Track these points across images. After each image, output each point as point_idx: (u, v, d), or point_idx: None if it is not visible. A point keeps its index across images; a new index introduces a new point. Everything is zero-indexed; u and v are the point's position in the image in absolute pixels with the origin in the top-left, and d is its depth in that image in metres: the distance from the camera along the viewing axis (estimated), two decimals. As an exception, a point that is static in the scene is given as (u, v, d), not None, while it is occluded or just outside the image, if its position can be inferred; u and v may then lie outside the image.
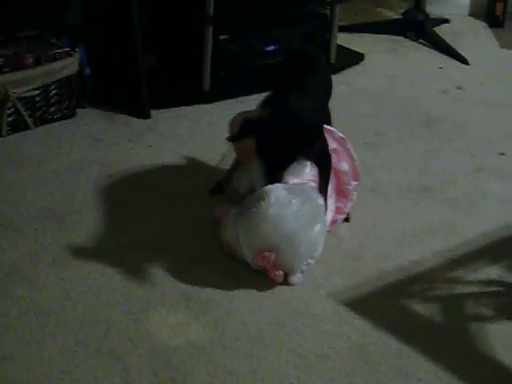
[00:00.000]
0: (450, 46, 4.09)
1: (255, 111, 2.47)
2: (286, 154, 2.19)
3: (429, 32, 4.24)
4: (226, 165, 2.60)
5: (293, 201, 2.19)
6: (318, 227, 2.22)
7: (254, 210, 2.19)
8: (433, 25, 4.37)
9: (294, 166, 2.24)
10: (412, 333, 2.03)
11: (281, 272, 2.18)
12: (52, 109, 3.09)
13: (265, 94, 2.38)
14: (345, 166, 2.42)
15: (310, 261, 2.23)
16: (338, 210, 2.43)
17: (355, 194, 2.46)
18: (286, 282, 2.20)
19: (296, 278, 2.21)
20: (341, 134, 2.45)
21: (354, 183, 2.45)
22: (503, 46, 4.24)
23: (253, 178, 2.33)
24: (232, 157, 2.55)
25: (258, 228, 2.17)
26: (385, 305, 2.14)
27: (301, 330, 2.02)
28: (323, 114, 2.40)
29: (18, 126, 3.01)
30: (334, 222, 2.42)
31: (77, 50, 3.12)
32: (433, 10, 4.62)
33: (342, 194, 2.43)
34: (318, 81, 2.40)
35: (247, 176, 2.37)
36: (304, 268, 2.22)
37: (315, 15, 3.66)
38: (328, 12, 3.68)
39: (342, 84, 3.63)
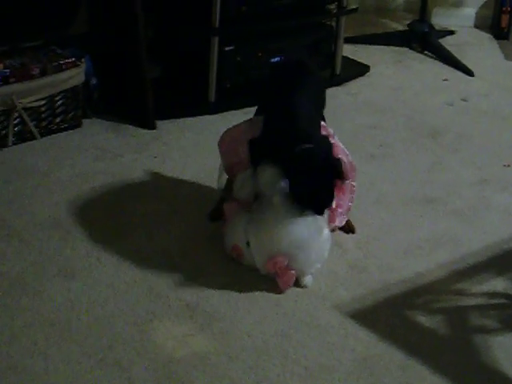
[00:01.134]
0: (455, 57, 4.09)
1: (242, 124, 2.48)
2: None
3: (434, 44, 4.24)
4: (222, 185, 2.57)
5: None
6: (325, 232, 2.24)
7: (267, 216, 2.20)
8: (438, 36, 4.37)
9: None
10: (416, 345, 2.03)
11: (293, 272, 2.19)
12: (58, 119, 3.10)
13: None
14: (344, 159, 2.41)
15: (318, 265, 2.25)
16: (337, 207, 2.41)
17: (354, 187, 2.47)
18: (297, 285, 2.22)
19: (308, 279, 2.23)
20: (330, 129, 2.45)
21: (352, 174, 2.44)
22: (508, 57, 4.25)
23: (250, 183, 2.34)
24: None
25: (271, 234, 2.18)
26: (389, 316, 2.14)
27: (306, 342, 2.02)
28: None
29: (23, 136, 3.02)
30: (332, 218, 2.41)
31: (83, 60, 3.12)
32: (438, 21, 4.64)
33: (340, 189, 2.40)
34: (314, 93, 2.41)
35: (244, 184, 2.36)
36: (312, 271, 2.24)
37: (321, 26, 3.66)
38: (333, 23, 3.69)
39: (347, 95, 3.64)
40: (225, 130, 2.50)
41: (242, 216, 2.30)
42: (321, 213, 2.23)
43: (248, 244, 2.24)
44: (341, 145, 2.43)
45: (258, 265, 2.24)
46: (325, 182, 2.20)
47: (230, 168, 2.44)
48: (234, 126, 2.48)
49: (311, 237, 2.20)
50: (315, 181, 2.18)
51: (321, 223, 2.24)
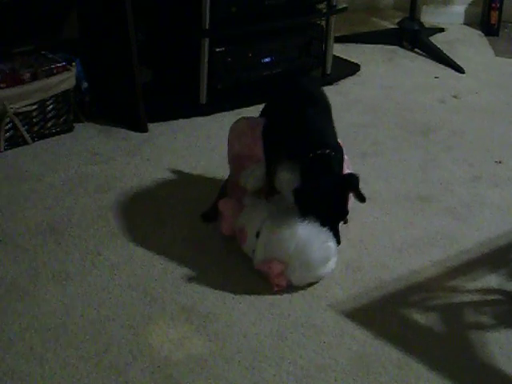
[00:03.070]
0: (445, 54, 4.10)
1: (257, 118, 2.48)
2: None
3: (424, 41, 4.25)
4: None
5: (321, 232, 2.19)
6: (332, 262, 2.24)
7: (286, 217, 2.20)
8: (428, 34, 4.39)
9: None
10: (412, 342, 2.03)
11: (284, 283, 2.19)
12: (49, 123, 3.09)
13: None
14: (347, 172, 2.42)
15: (310, 281, 2.25)
16: None
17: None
18: (291, 285, 2.22)
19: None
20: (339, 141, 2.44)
21: None
22: (498, 54, 4.26)
23: (261, 174, 2.34)
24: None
25: (281, 241, 2.17)
26: (385, 315, 2.14)
27: (301, 342, 2.02)
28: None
29: (15, 141, 3.02)
30: None
31: (73, 64, 3.12)
32: (428, 19, 4.65)
33: None
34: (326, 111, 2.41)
35: (255, 174, 2.35)
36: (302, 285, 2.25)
37: (311, 26, 3.66)
38: (323, 23, 3.69)
39: (339, 94, 3.64)
40: (239, 118, 2.53)
41: (266, 206, 2.29)
42: (332, 226, 2.20)
43: (257, 235, 2.24)
44: (345, 157, 2.44)
45: (255, 259, 2.24)
46: (338, 192, 2.18)
47: (236, 158, 2.44)
48: (252, 118, 2.49)
49: (318, 260, 2.18)
50: (328, 190, 2.16)
51: (332, 251, 2.22)
